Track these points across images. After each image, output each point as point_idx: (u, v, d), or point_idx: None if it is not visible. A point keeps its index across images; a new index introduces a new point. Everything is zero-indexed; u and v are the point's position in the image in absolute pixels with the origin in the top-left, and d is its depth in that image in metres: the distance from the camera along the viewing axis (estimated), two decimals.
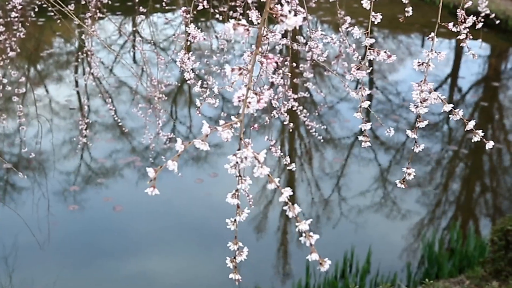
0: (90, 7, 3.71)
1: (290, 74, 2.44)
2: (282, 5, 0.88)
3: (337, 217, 5.22)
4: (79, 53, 4.55)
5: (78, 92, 7.71)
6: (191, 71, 1.91)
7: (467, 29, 1.40)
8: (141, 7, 4.62)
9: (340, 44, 2.36)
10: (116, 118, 4.81)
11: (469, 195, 5.82)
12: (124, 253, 4.67)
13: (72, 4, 3.43)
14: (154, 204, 5.23)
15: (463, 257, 4.34)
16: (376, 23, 1.37)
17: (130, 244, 4.77)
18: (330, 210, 5.34)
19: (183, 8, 1.97)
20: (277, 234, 5.04)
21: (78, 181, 5.69)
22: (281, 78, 2.37)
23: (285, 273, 4.52)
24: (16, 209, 4.95)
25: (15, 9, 3.49)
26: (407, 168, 1.36)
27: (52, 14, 3.72)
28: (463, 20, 1.45)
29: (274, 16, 0.87)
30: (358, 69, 1.33)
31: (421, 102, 1.28)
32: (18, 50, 3.78)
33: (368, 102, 1.34)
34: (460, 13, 1.48)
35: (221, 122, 0.88)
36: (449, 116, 1.29)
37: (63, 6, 2.92)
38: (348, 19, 2.18)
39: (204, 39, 1.82)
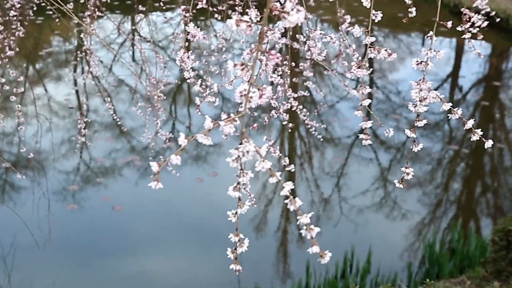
0: (89, 5, 3.70)
1: (289, 73, 2.43)
2: (281, 3, 0.87)
3: (337, 216, 5.20)
4: (78, 52, 4.54)
5: (77, 91, 7.69)
6: (191, 70, 1.90)
7: (477, 28, 1.39)
8: (140, 6, 4.60)
9: (340, 43, 2.35)
10: (115, 117, 4.79)
11: (470, 195, 5.80)
12: (124, 253, 4.66)
13: (71, 3, 3.41)
14: (154, 203, 5.22)
15: (464, 257, 4.32)
16: (376, 21, 1.36)
17: (129, 244, 4.75)
18: (330, 209, 5.32)
19: (182, 7, 1.96)
20: (277, 234, 5.02)
21: (77, 181, 5.67)
22: (281, 77, 2.36)
23: (285, 273, 4.51)
24: (15, 208, 4.94)
25: (13, 8, 3.48)
26: (406, 168, 1.35)
27: (51, 13, 3.70)
28: (468, 20, 1.43)
29: (274, 14, 0.86)
30: (358, 67, 1.32)
31: (420, 101, 1.26)
32: (17, 49, 3.76)
33: (369, 101, 1.33)
34: (465, 12, 1.46)
35: (224, 116, 0.88)
36: (448, 115, 1.27)
37: (62, 4, 2.90)
38: (348, 18, 2.16)
39: (204, 38, 1.80)
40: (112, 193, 5.48)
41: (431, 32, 1.29)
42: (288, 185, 0.87)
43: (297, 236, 4.93)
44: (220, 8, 3.63)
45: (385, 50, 1.27)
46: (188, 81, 1.96)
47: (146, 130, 4.43)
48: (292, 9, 0.79)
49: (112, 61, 8.71)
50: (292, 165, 2.36)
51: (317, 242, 0.87)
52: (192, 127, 7.01)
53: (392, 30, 10.79)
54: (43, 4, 3.38)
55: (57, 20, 3.66)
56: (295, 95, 2.62)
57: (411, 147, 1.37)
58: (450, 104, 1.23)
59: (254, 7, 1.99)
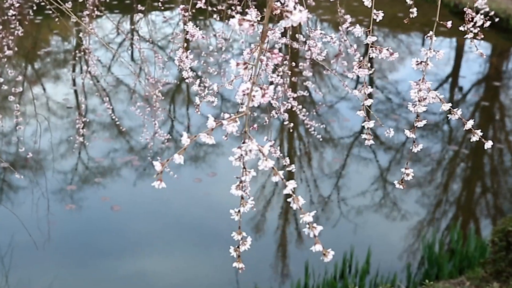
0: (88, 5, 3.69)
1: (290, 72, 2.42)
2: (282, 3, 0.87)
3: (337, 217, 5.19)
4: (77, 52, 4.52)
5: (75, 91, 7.68)
6: (190, 70, 1.89)
7: (478, 28, 1.38)
8: (139, 5, 4.59)
9: (340, 43, 2.34)
10: (113, 117, 4.78)
11: (469, 195, 5.79)
12: (122, 253, 4.64)
13: (70, 2, 3.39)
14: (152, 203, 5.20)
15: (463, 258, 4.31)
16: (377, 21, 1.35)
17: (128, 244, 4.74)
18: (330, 210, 5.31)
19: (181, 6, 1.95)
20: (276, 234, 5.01)
21: (75, 181, 5.66)
22: (281, 77, 2.34)
23: (283, 273, 4.50)
24: (13, 208, 4.92)
25: (12, 7, 3.46)
26: (406, 169, 1.34)
27: (50, 12, 3.68)
28: (470, 19, 1.43)
29: (274, 14, 0.85)
30: (359, 67, 1.31)
31: (419, 101, 1.25)
32: (16, 48, 3.75)
33: (371, 100, 1.33)
34: (468, 11, 1.46)
35: (226, 116, 0.88)
36: (448, 115, 1.26)
37: (61, 3, 2.89)
38: (349, 18, 2.15)
39: (203, 37, 1.80)
40: (111, 193, 5.47)
41: (431, 32, 1.28)
42: (291, 184, 0.87)
43: (296, 236, 4.92)
44: (219, 7, 3.62)
45: (387, 49, 1.26)
46: (186, 80, 1.95)
47: (144, 130, 4.42)
48: (294, 8, 0.79)
49: (111, 61, 8.69)
50: (293, 165, 2.35)
51: (317, 236, 0.88)
52: (191, 127, 7.00)
53: (392, 30, 10.78)
54: (43, 3, 3.37)
55: (56, 19, 3.64)
56: (295, 95, 2.61)
57: (410, 148, 1.36)
58: (450, 104, 1.22)
59: (253, 6, 1.98)
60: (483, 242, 4.40)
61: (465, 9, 1.38)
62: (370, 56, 1.30)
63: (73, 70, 8.61)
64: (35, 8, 4.65)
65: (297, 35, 2.40)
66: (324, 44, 2.15)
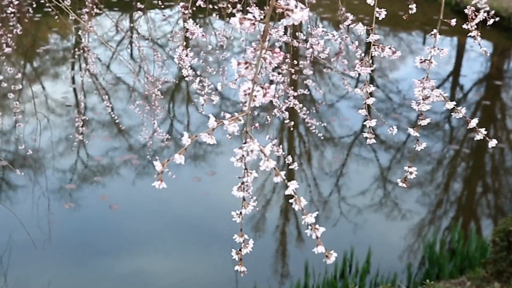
0: (87, 2, 3.67)
1: (292, 71, 2.40)
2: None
3: (337, 216, 5.17)
4: (76, 50, 4.49)
5: (74, 89, 7.65)
6: (189, 68, 1.87)
7: (475, 26, 1.37)
8: (138, 3, 4.57)
9: (340, 41, 2.32)
10: (113, 116, 4.76)
11: (470, 195, 5.77)
12: (121, 252, 4.63)
13: (69, 0, 3.37)
14: (151, 202, 5.19)
15: (464, 258, 4.29)
16: (380, 19, 1.33)
17: (126, 243, 4.72)
18: (330, 209, 5.29)
19: (181, 4, 1.93)
20: (276, 234, 4.99)
21: (74, 179, 5.64)
22: (282, 75, 2.32)
23: (283, 273, 4.48)
24: (12, 207, 4.90)
25: (11, 5, 3.44)
26: (409, 167, 1.34)
27: (49, 10, 3.66)
28: (473, 17, 1.41)
29: (276, 12, 0.84)
30: (362, 65, 1.29)
31: (423, 99, 1.24)
32: (14, 46, 3.72)
33: (373, 99, 1.31)
34: (470, 9, 1.44)
35: (227, 116, 0.88)
36: (451, 114, 1.24)
37: (60, 1, 2.87)
38: (350, 16, 2.13)
39: (203, 35, 1.78)
40: (109, 192, 5.45)
41: (434, 30, 1.26)
42: (293, 184, 0.87)
43: (296, 236, 4.90)
44: (220, 5, 3.60)
45: (389, 48, 1.24)
46: (186, 79, 1.93)
47: (144, 129, 4.39)
48: (296, 7, 0.79)
49: (110, 59, 8.66)
50: (295, 163, 2.34)
51: (319, 237, 0.87)
52: (191, 126, 6.97)
53: (393, 29, 10.75)
54: (42, 1, 3.35)
55: (56, 17, 3.62)
56: (295, 94, 2.59)
57: (414, 146, 1.35)
58: (454, 103, 1.21)
59: (254, 5, 1.96)
60: (484, 242, 4.38)
61: (468, 7, 1.37)
62: (372, 55, 1.28)
63: (72, 68, 8.58)
64: (34, 5, 4.63)
65: (297, 33, 2.38)
66: (325, 42, 2.13)
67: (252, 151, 0.87)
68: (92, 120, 6.80)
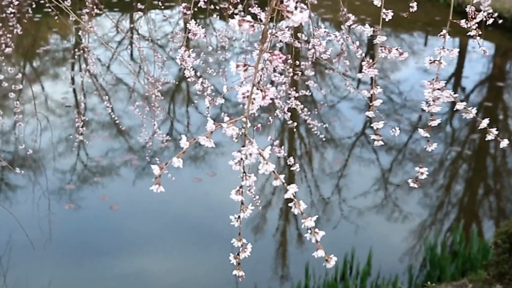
0: (87, 3, 3.65)
1: (293, 72, 2.38)
2: (282, 1, 0.85)
3: (337, 218, 5.15)
4: (76, 50, 4.48)
5: (74, 90, 7.64)
6: (191, 69, 1.86)
7: (476, 24, 1.36)
8: (138, 4, 4.55)
9: (342, 42, 2.30)
10: (113, 116, 4.74)
11: (472, 196, 5.75)
12: (121, 252, 4.62)
13: (69, 0, 3.35)
14: (151, 203, 5.17)
15: (466, 260, 4.27)
16: (387, 20, 1.32)
17: (126, 244, 4.71)
18: (330, 211, 5.27)
19: (184, 4, 1.92)
20: (276, 235, 4.97)
21: (74, 180, 5.63)
22: (284, 76, 2.31)
23: (284, 274, 4.46)
24: (11, 207, 4.89)
25: (11, 5, 3.43)
26: (420, 168, 1.33)
27: (50, 10, 3.64)
28: (473, 16, 1.41)
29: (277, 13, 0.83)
30: (370, 67, 1.29)
31: (433, 100, 1.23)
32: (13, 46, 3.70)
33: (380, 100, 1.31)
34: (470, 9, 1.44)
35: (226, 119, 0.88)
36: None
37: (60, 2, 2.85)
38: (352, 17, 2.11)
39: (205, 36, 1.77)
40: (109, 193, 5.44)
41: (443, 31, 1.25)
42: (292, 188, 0.86)
43: (296, 237, 4.89)
44: (222, 6, 3.58)
45: (396, 49, 1.24)
46: (188, 80, 1.92)
47: (143, 130, 4.38)
48: (296, 8, 0.79)
49: (110, 60, 8.65)
50: (297, 164, 2.33)
51: (319, 241, 0.87)
52: (191, 127, 6.96)
53: (394, 30, 10.72)
54: (42, 1, 3.33)
55: (56, 17, 3.61)
56: (296, 94, 2.58)
57: (425, 147, 1.36)
58: (464, 103, 1.20)
59: (256, 5, 1.95)
60: (486, 244, 4.36)
61: (468, 6, 1.36)
62: (380, 56, 1.28)
63: (72, 69, 8.57)
64: (34, 6, 4.62)
65: (298, 34, 2.36)
66: (327, 43, 2.12)
67: (250, 154, 0.86)
68: (92, 120, 6.79)
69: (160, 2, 4.09)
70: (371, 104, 1.30)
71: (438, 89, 1.18)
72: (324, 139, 4.32)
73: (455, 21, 1.27)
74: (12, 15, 3.53)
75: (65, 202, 5.21)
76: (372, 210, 5.26)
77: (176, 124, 7.06)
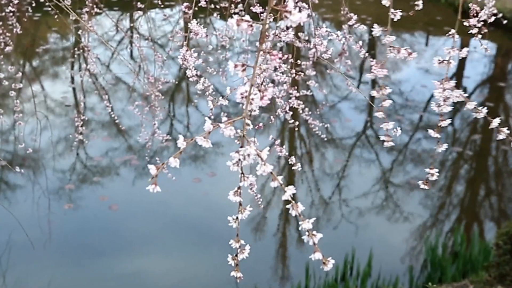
0: (87, 2, 3.64)
1: (294, 71, 2.37)
2: (284, 1, 0.84)
3: (338, 218, 5.13)
4: (75, 49, 4.47)
5: (74, 89, 7.63)
6: (193, 68, 1.85)
7: (481, 23, 1.35)
8: (138, 3, 4.54)
9: (344, 42, 2.28)
10: (112, 116, 4.73)
11: (473, 197, 5.73)
12: (120, 252, 4.60)
13: None
14: (151, 203, 5.16)
15: (467, 261, 4.26)
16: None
17: (126, 244, 4.70)
18: (331, 211, 5.25)
19: (185, 4, 1.91)
20: (276, 236, 4.95)
21: (74, 179, 5.61)
22: (286, 75, 2.29)
23: (284, 275, 4.45)
24: (10, 207, 4.88)
25: (11, 4, 3.41)
26: (431, 168, 1.33)
27: (50, 9, 3.62)
28: (475, 14, 1.40)
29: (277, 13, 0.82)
30: (379, 67, 1.28)
31: (444, 100, 1.22)
32: (12, 45, 3.68)
33: (390, 101, 1.31)
34: (473, 7, 1.44)
35: (224, 119, 0.86)
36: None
37: (60, 0, 2.84)
38: (353, 16, 2.10)
39: (206, 35, 1.77)
40: (109, 193, 5.42)
41: (453, 30, 1.25)
42: (290, 190, 0.86)
43: (297, 238, 4.87)
44: (222, 5, 3.56)
45: (405, 49, 1.23)
46: (190, 79, 1.91)
47: (143, 130, 4.36)
48: (294, 8, 0.79)
49: (110, 59, 8.63)
50: (299, 164, 2.32)
51: (317, 244, 0.86)
52: (191, 126, 6.94)
53: (395, 30, 10.69)
54: (41, 0, 3.31)
55: (56, 16, 3.59)
56: (297, 94, 2.56)
57: (435, 148, 1.34)
58: (475, 102, 1.19)
59: (258, 4, 1.93)
60: (487, 245, 4.35)
61: (470, 4, 1.36)
62: (388, 56, 1.27)
63: (72, 68, 8.56)
64: (33, 5, 4.60)
65: (299, 34, 2.35)
66: (328, 43, 2.10)
67: (249, 155, 0.86)
68: (91, 120, 6.77)
69: (160, 1, 4.07)
70: (380, 104, 1.29)
71: (448, 88, 1.16)
72: (326, 139, 4.30)
73: (463, 20, 1.25)
74: (11, 13, 3.52)
75: (64, 202, 5.19)
76: (372, 211, 5.24)
77: (176, 124, 7.04)
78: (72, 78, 7.98)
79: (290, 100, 2.51)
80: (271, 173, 0.87)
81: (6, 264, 4.34)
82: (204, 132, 0.87)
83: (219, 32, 3.39)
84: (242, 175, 0.91)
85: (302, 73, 2.38)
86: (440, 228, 5.08)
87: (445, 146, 1.33)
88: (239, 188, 0.92)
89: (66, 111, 7.08)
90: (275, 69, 2.24)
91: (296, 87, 2.54)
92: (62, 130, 6.51)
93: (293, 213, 0.87)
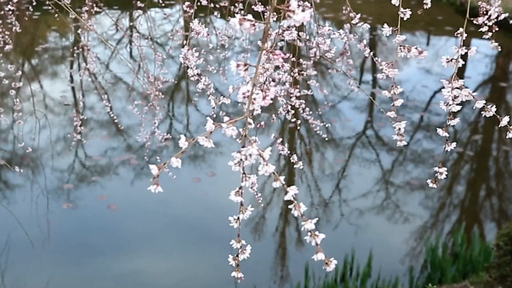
0: (86, 1, 3.63)
1: (296, 71, 2.35)
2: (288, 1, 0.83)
3: (338, 219, 5.12)
4: (75, 48, 4.46)
5: (73, 88, 7.61)
6: (195, 67, 1.85)
7: (492, 21, 1.35)
8: (138, 2, 4.52)
9: (346, 41, 2.27)
10: (111, 115, 4.71)
11: (474, 198, 5.71)
12: (119, 252, 4.60)
13: None
14: (150, 203, 5.14)
15: (467, 262, 4.24)
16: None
17: (125, 243, 4.69)
18: (331, 212, 5.24)
19: (187, 3, 1.91)
20: (276, 236, 4.94)
21: (72, 179, 5.60)
22: (288, 74, 2.28)
23: (283, 275, 4.44)
24: (9, 206, 4.87)
25: (10, 2, 3.41)
26: (439, 168, 1.32)
27: (49, 8, 3.61)
28: (484, 13, 1.39)
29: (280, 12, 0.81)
30: (390, 67, 1.28)
31: (452, 99, 1.21)
32: (11, 44, 3.67)
33: (401, 100, 1.30)
34: (482, 5, 1.43)
35: (226, 119, 0.87)
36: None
37: None
38: (356, 15, 2.09)
39: (208, 34, 1.76)
40: (108, 192, 5.41)
41: (461, 29, 1.24)
42: (292, 190, 0.86)
43: (296, 238, 4.86)
44: (222, 4, 3.55)
45: (416, 48, 1.23)
46: (191, 78, 1.90)
47: (142, 129, 4.35)
48: (297, 7, 0.78)
49: (109, 58, 8.62)
50: (300, 162, 2.31)
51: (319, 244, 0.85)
52: (190, 126, 6.93)
53: (396, 29, 10.67)
54: None
55: (56, 15, 3.58)
56: (298, 94, 2.55)
57: (444, 146, 1.34)
58: (483, 101, 1.19)
59: (259, 3, 1.92)
60: (488, 246, 4.33)
61: (479, 2, 1.35)
62: (398, 55, 1.27)
63: (71, 67, 8.54)
64: (33, 3, 4.58)
65: (300, 33, 2.33)
66: (330, 42, 2.09)
67: (250, 155, 0.85)
68: (90, 119, 6.76)
69: (160, 0, 4.06)
70: (392, 104, 1.29)
71: (457, 88, 1.15)
72: (326, 139, 4.29)
73: (472, 19, 1.24)
74: (11, 12, 3.51)
75: (63, 201, 5.18)
76: (372, 211, 5.23)
77: (176, 123, 7.03)
78: (72, 77, 7.97)
79: (291, 100, 2.50)
80: (273, 173, 0.86)
81: (5, 263, 4.33)
82: (205, 131, 0.87)
83: (219, 31, 3.38)
84: (244, 175, 0.90)
85: (304, 73, 2.37)
86: (440, 229, 5.07)
87: (453, 145, 1.32)
88: (240, 188, 0.91)
89: (65, 110, 7.06)
90: (276, 68, 2.22)
91: (297, 87, 2.53)
92: (61, 129, 6.50)
93: (295, 213, 0.87)
